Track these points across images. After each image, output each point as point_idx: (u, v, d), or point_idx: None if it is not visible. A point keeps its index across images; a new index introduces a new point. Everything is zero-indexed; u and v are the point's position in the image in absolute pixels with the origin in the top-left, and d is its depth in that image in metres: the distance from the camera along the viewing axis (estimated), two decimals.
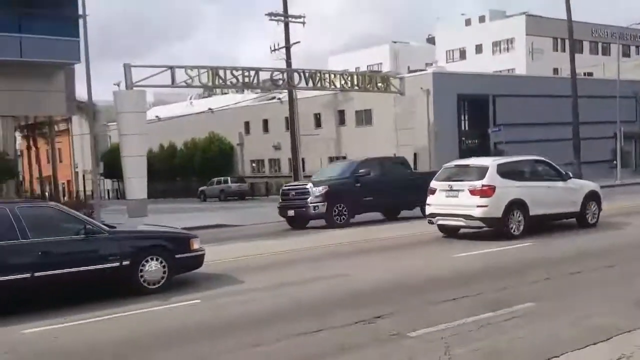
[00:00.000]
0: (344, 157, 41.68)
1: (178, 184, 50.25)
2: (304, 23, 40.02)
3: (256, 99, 49.01)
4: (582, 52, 69.34)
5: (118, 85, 25.78)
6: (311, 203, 17.16)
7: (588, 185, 15.04)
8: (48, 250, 8.24)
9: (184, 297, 8.63)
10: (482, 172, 12.88)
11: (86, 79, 22.41)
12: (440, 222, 13.57)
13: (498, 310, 6.92)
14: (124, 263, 8.73)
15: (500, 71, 57.11)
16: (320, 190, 17.26)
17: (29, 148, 51.19)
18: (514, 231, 12.74)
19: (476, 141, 38.08)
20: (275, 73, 28.81)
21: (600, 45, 69.93)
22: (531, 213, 12.92)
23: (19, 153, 68.99)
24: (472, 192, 12.70)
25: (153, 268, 8.95)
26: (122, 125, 25.41)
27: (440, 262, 10.69)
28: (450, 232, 13.78)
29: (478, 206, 12.57)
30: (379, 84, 33.22)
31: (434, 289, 8.27)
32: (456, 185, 13.06)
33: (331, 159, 41.98)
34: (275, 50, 39.59)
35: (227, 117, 47.81)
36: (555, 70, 59.20)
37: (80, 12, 23.67)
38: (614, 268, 9.36)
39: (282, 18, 39.39)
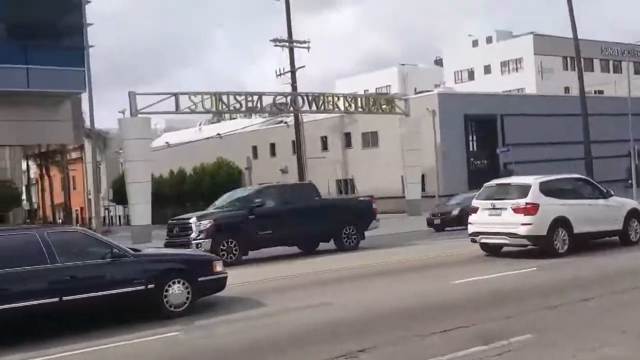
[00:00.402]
0: (352, 179, 41.52)
1: (187, 210, 50.22)
2: (308, 48, 40.25)
3: (263, 123, 49.13)
4: (592, 70, 69.11)
5: (123, 112, 25.95)
6: (193, 240, 15.13)
7: (630, 203, 15.13)
8: (76, 274, 8.35)
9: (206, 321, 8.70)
10: (524, 190, 13.02)
11: (89, 108, 22.64)
12: (483, 240, 13.70)
13: (492, 343, 6.45)
14: (149, 286, 8.79)
15: (510, 91, 56.87)
16: (204, 224, 15.37)
17: (41, 176, 51.61)
18: (559, 249, 12.85)
19: (485, 162, 37.72)
20: (279, 97, 28.81)
21: (611, 63, 69.58)
22: (575, 231, 13.03)
23: (33, 181, 69.87)
24: (516, 210, 12.77)
25: (177, 291, 8.96)
26: (127, 152, 25.63)
27: (437, 289, 10.31)
28: (493, 250, 13.90)
29: (522, 224, 12.68)
30: (384, 106, 33.08)
31: (427, 319, 7.87)
32: (499, 203, 13.21)
33: (338, 182, 41.81)
34: (280, 75, 39.82)
35: (235, 141, 47.93)
36: (567, 89, 58.83)
37: (87, 42, 24.12)
38: None
39: (287, 44, 39.76)
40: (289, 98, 29.12)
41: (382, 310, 8.59)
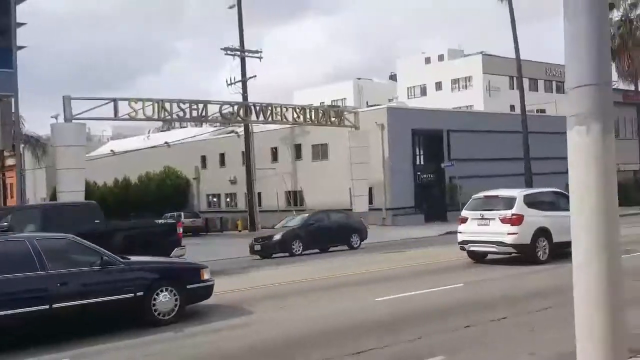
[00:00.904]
0: (301, 192, 41.35)
1: (132, 220, 49.02)
2: (260, 58, 40.10)
3: (213, 132, 48.53)
4: (537, 90, 71.25)
5: (56, 118, 25.00)
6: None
7: None
8: (66, 282, 8.28)
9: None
10: (510, 202, 14.07)
11: (14, 112, 21.72)
12: (472, 249, 14.62)
13: None
14: (138, 294, 8.81)
15: (460, 107, 58.02)
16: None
17: None
18: (541, 257, 13.87)
19: (431, 176, 38.18)
20: (225, 106, 28.39)
21: (554, 83, 71.87)
22: (554, 240, 13.91)
23: None
24: (503, 220, 13.79)
25: (166, 299, 9.03)
26: (59, 160, 24.41)
27: (360, 307, 10.06)
28: (479, 258, 14.80)
29: (509, 233, 13.73)
30: (333, 119, 33.14)
31: (344, 340, 7.59)
32: (488, 214, 14.17)
33: (287, 194, 41.56)
34: (231, 84, 39.48)
35: (184, 151, 47.13)
36: (512, 107, 60.29)
37: (16, 43, 23.16)
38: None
39: (239, 53, 39.45)
40: (236, 107, 28.71)
41: (302, 332, 8.30)
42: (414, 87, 74.79)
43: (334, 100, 76.71)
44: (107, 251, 8.99)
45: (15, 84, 22.93)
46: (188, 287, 9.29)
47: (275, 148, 42.46)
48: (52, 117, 24.70)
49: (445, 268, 14.10)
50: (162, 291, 8.99)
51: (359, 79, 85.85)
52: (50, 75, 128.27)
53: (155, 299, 8.91)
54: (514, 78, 70.89)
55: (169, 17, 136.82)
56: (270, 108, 30.18)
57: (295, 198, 41.23)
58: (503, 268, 13.76)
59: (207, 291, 9.65)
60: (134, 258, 9.46)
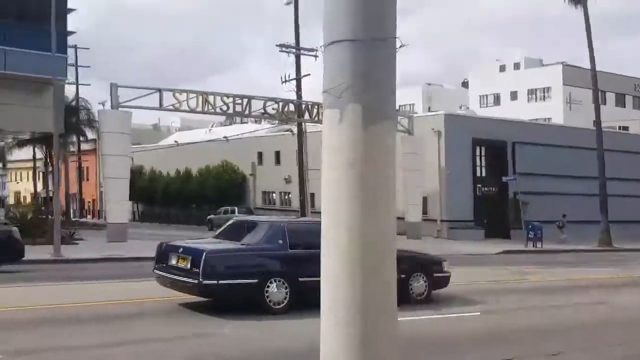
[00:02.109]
0: None
1: (192, 211, 49.38)
2: (316, 57, 39.08)
3: (270, 129, 48.07)
4: (624, 106, 66.72)
5: (103, 104, 25.05)
6: None
7: None
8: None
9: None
10: None
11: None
12: None
13: None
14: (401, 276, 9.65)
15: (537, 119, 54.84)
16: None
17: (46, 164, 51.01)
18: None
19: (494, 189, 35.81)
20: (269, 103, 27.57)
21: None
22: None
23: (50, 169, 70.00)
24: None
25: (418, 283, 10.86)
26: (105, 146, 24.75)
27: None
28: None
29: None
30: None
31: None
32: None
33: None
34: (285, 82, 38.73)
35: (242, 146, 46.93)
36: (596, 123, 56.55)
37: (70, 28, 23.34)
38: None
39: (294, 50, 38.65)
40: (280, 104, 27.84)
41: None
42: (486, 95, 71.75)
43: (402, 106, 74.83)
44: None
45: (65, 69, 23.03)
46: (434, 275, 11.12)
47: None
48: (99, 103, 24.91)
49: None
50: (415, 276, 10.76)
51: (429, 84, 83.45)
52: (125, 69, 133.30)
53: (411, 282, 10.71)
54: (599, 92, 67.10)
55: (246, 14, 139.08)
56: (316, 107, 29.07)
57: None
58: None
59: (447, 280, 11.41)
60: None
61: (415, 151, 32.84)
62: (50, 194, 61.40)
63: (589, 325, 9.46)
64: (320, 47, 2.55)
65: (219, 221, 41.82)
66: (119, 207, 24.53)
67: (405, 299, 10.07)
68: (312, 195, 42.11)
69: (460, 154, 34.49)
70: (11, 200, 73.19)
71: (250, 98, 26.93)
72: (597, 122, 33.51)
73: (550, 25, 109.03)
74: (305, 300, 8.76)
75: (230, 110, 26.50)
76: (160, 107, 24.82)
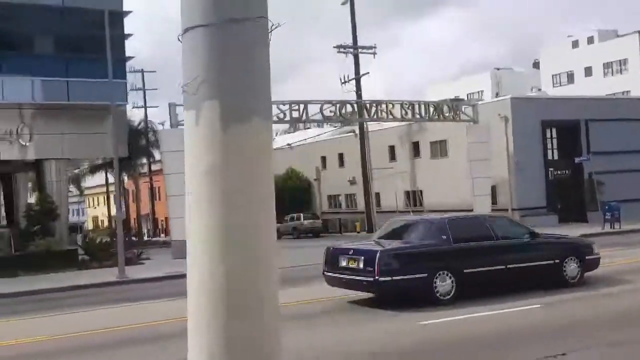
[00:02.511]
0: (420, 191, 39.06)
1: None
2: (374, 54, 38.61)
3: (334, 132, 47.83)
4: None
5: (162, 124, 25.57)
6: None
7: None
8: (510, 249, 11.16)
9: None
10: None
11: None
12: None
13: None
14: (555, 261, 11.41)
15: (614, 94, 51.69)
16: None
17: (120, 187, 53.03)
18: None
19: (567, 172, 33.91)
20: (326, 106, 27.22)
21: None
22: None
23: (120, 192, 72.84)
24: None
25: (572, 266, 11.54)
26: (166, 165, 25.12)
27: None
28: None
29: None
30: (446, 113, 30.57)
31: None
32: None
33: (407, 194, 39.53)
34: (345, 82, 38.38)
35: (305, 152, 46.97)
36: None
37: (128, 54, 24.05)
38: None
39: (352, 50, 38.23)
40: (338, 106, 27.44)
41: None
42: (559, 74, 68.54)
43: (470, 94, 72.81)
44: (530, 227, 12.41)
45: (125, 93, 23.75)
46: (586, 258, 11.74)
47: (393, 146, 40.59)
48: (159, 123, 25.44)
49: None
50: (569, 260, 11.47)
51: (498, 69, 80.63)
52: None
53: (565, 266, 11.43)
54: None
55: (305, 18, 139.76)
56: (375, 105, 28.49)
57: (414, 198, 39.06)
58: None
59: (597, 263, 12.03)
60: (544, 234, 12.36)
61: (482, 140, 31.55)
62: (124, 216, 63.86)
63: None
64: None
65: (285, 229, 42.03)
66: (183, 224, 24.68)
67: (561, 282, 11.22)
68: (378, 194, 41.51)
69: (529, 138, 32.84)
70: (90, 225, 76.70)
71: (307, 103, 26.71)
72: None
73: None
74: (469, 290, 10.31)
75: (288, 117, 26.34)
76: None
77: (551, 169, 33.69)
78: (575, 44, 67.65)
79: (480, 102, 34.07)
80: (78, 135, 24.39)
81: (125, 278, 17.83)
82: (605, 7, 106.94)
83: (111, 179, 49.06)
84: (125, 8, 25.17)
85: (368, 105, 28.17)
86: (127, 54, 26.34)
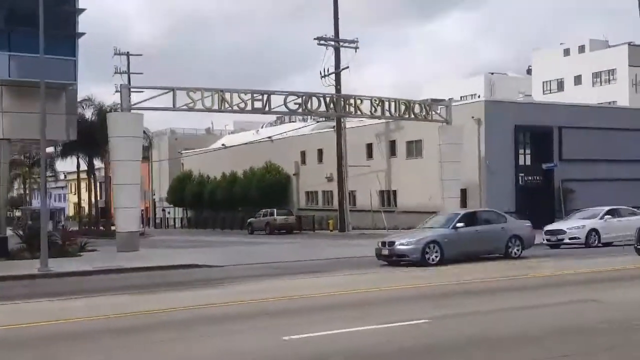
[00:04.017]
0: (394, 191, 38.83)
1: (239, 214, 49.51)
2: (356, 48, 38.22)
3: (314, 127, 47.49)
4: None
5: (112, 108, 24.91)
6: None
7: None
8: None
9: None
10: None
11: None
12: None
13: None
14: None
15: (601, 103, 51.49)
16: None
17: (89, 175, 50.50)
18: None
19: (538, 178, 33.71)
20: (290, 98, 26.95)
21: None
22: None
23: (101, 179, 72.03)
24: None
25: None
26: (114, 151, 23.98)
27: None
28: None
29: None
30: (417, 112, 30.36)
31: None
32: None
33: (382, 193, 39.30)
34: (324, 76, 38.10)
35: (286, 146, 46.68)
36: None
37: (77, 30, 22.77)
38: None
39: (333, 43, 37.91)
40: (303, 99, 27.15)
41: None
42: (549, 81, 68.47)
43: (464, 96, 72.60)
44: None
45: (75, 73, 22.35)
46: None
47: (370, 144, 40.34)
48: (107, 106, 24.61)
49: None
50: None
51: (492, 73, 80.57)
52: (194, 75, 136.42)
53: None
54: None
55: (317, 13, 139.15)
56: (341, 101, 28.25)
57: (388, 198, 38.84)
58: None
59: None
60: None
61: (454, 141, 31.36)
62: (102, 204, 62.84)
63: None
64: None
65: (258, 225, 41.72)
66: (129, 214, 23.41)
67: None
68: (354, 193, 41.29)
69: (501, 142, 32.65)
70: (70, 212, 75.74)
71: (270, 93, 26.38)
72: None
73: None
74: None
75: (249, 108, 26.03)
76: (174, 108, 24.61)
77: (522, 174, 33.51)
78: (566, 52, 67.52)
79: (454, 104, 33.81)
80: (20, 115, 22.00)
81: (47, 271, 16.01)
82: (598, 18, 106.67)
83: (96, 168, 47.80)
84: None
85: (335, 99, 27.86)
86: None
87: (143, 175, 64.83)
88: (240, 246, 27.96)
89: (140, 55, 49.78)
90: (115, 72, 46.39)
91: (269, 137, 47.82)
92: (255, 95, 25.90)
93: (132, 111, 23.97)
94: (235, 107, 25.60)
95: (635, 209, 22.93)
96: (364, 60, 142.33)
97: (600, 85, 62.14)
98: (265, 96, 26.17)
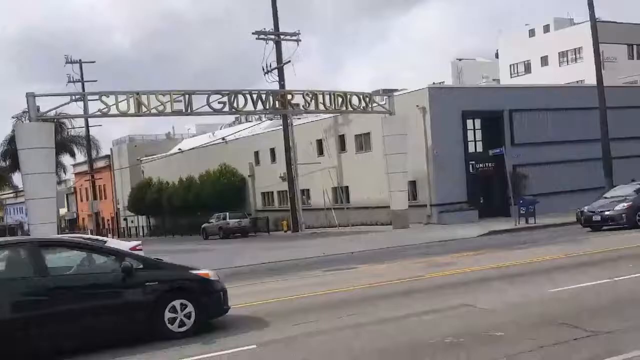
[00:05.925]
0: (346, 187, 37.45)
1: (199, 220, 47.97)
2: (298, 41, 36.74)
3: (268, 126, 46.06)
4: None
5: (20, 117, 23.45)
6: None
7: None
8: None
9: None
10: None
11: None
12: None
13: None
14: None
15: (569, 83, 50.30)
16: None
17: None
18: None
19: (490, 165, 32.38)
20: (215, 96, 25.41)
21: None
22: None
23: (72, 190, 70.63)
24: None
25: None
26: (25, 164, 22.42)
27: None
28: None
29: None
30: (355, 104, 28.95)
31: None
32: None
33: (335, 190, 37.90)
34: (268, 72, 36.59)
35: (240, 147, 45.20)
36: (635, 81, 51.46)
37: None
38: None
39: (273, 36, 36.41)
40: (228, 97, 25.59)
41: None
42: (516, 64, 67.19)
43: (431, 84, 71.39)
44: None
45: None
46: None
47: (320, 140, 38.92)
48: (12, 117, 23.21)
49: None
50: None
51: (460, 59, 79.43)
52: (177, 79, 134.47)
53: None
54: (634, 47, 61.27)
55: (296, 12, 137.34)
56: (271, 96, 26.77)
57: (341, 194, 37.45)
58: None
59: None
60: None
61: (398, 132, 30.00)
62: (74, 215, 61.41)
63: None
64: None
65: (211, 229, 40.16)
66: (44, 232, 21.26)
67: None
68: (307, 191, 39.92)
69: (448, 130, 31.28)
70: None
71: (190, 93, 24.82)
72: (598, 77, 29.72)
73: None
74: None
75: (168, 110, 24.46)
76: (86, 114, 23.11)
77: (473, 162, 32.17)
78: (532, 33, 66.27)
79: (396, 94, 32.41)
80: None
81: None
82: None
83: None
84: None
85: (264, 96, 26.36)
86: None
87: (105, 184, 63.34)
88: (178, 255, 26.45)
89: (94, 62, 48.13)
90: (69, 81, 44.94)
91: (223, 139, 46.30)
92: (174, 96, 24.32)
93: (38, 121, 22.31)
94: (154, 111, 24.00)
95: None
96: (345, 56, 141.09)
97: (567, 64, 61.00)
98: (187, 96, 24.62)
